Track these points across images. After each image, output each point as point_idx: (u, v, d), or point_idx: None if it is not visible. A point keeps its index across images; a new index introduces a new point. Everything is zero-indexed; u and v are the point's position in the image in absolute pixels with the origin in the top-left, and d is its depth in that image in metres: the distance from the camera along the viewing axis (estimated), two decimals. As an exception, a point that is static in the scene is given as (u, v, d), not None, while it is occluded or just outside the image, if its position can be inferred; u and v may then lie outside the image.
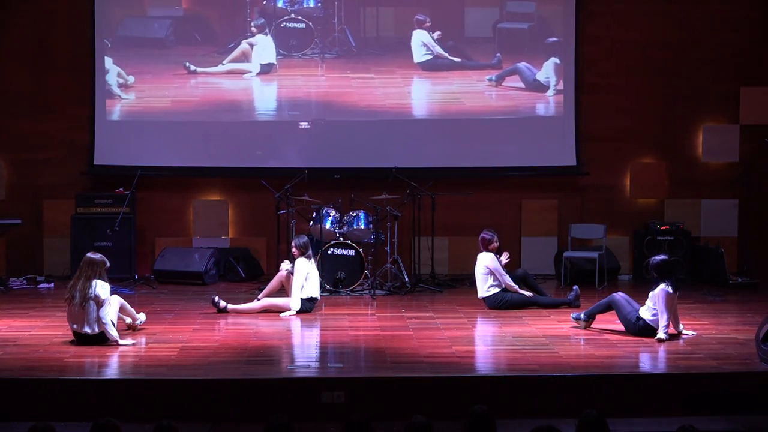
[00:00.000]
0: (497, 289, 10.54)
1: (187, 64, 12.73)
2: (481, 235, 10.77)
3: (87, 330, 8.65)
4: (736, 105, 13.01)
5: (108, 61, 12.69)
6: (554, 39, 12.82)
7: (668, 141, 13.09)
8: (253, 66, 12.75)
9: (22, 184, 12.77)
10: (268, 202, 12.07)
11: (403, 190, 11.90)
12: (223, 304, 10.30)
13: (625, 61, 12.99)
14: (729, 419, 7.45)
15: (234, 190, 13.01)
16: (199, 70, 12.75)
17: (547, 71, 12.81)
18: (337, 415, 7.43)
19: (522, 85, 12.86)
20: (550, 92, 12.81)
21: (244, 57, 12.77)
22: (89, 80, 12.67)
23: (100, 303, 8.61)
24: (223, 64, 12.75)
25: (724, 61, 12.98)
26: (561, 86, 12.81)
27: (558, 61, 12.78)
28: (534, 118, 12.91)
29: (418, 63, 12.80)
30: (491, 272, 10.54)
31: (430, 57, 12.78)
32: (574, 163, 12.88)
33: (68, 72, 12.76)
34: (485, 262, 10.58)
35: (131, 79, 12.73)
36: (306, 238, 10.62)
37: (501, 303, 10.49)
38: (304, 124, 12.79)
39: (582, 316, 9.54)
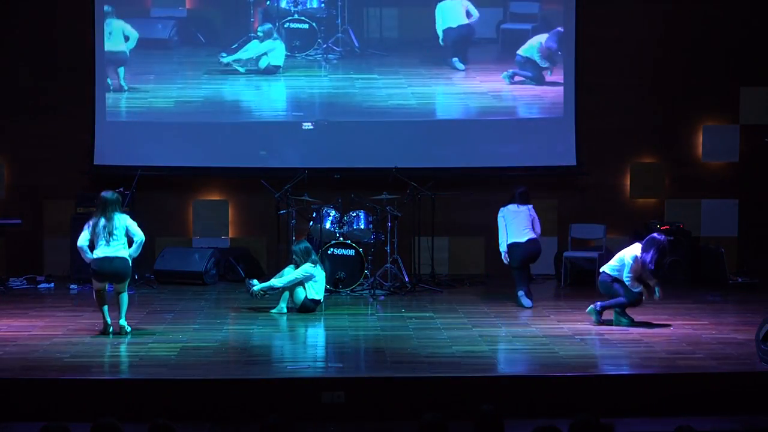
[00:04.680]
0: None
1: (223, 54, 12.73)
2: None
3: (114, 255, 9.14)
4: (736, 105, 13.02)
5: (110, 23, 12.65)
6: (560, 29, 12.81)
7: (668, 141, 13.09)
8: (261, 66, 12.77)
9: (22, 184, 12.77)
10: (268, 202, 12.07)
11: (404, 190, 11.89)
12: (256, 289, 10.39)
13: (625, 60, 12.98)
14: (729, 419, 7.45)
15: (234, 190, 13.01)
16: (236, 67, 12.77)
17: (541, 52, 12.79)
18: (337, 415, 7.44)
19: (529, 74, 12.83)
20: (545, 64, 12.77)
21: (255, 56, 12.78)
22: (89, 80, 12.67)
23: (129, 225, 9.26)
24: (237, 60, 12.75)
25: (724, 61, 12.98)
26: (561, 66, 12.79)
27: (544, 41, 12.74)
28: (534, 118, 12.89)
29: (444, 30, 12.73)
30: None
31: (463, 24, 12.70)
32: (574, 163, 12.88)
33: (68, 72, 12.76)
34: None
35: (135, 35, 12.66)
36: (306, 243, 10.59)
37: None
38: (307, 125, 12.79)
39: (597, 307, 9.71)
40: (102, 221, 9.15)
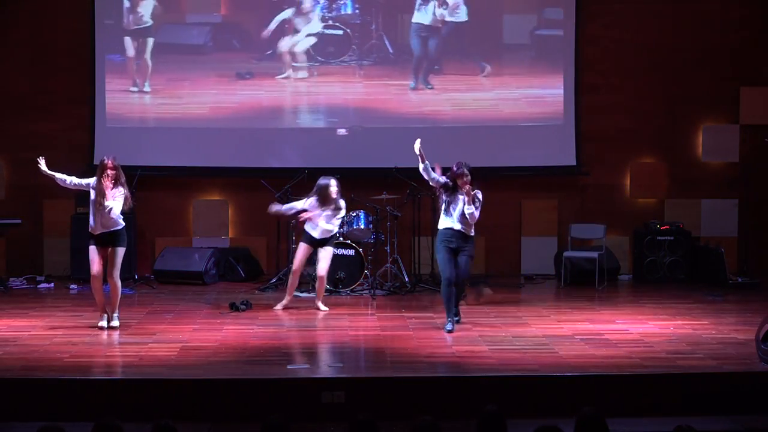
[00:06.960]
0: None
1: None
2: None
3: (105, 230, 9.34)
4: (736, 105, 13.02)
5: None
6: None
7: (668, 141, 13.09)
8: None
9: (22, 184, 12.77)
10: (268, 202, 12.04)
11: (403, 190, 11.89)
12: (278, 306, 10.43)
13: (625, 61, 12.99)
14: (729, 419, 7.45)
15: (234, 190, 13.01)
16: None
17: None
18: (337, 415, 7.44)
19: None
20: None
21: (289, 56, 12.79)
22: (89, 80, 12.68)
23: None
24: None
25: (724, 61, 12.98)
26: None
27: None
28: (535, 118, 12.88)
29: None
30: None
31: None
32: (574, 163, 12.88)
33: (68, 72, 12.77)
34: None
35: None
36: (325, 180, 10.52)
37: None
38: (342, 131, 12.77)
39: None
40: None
